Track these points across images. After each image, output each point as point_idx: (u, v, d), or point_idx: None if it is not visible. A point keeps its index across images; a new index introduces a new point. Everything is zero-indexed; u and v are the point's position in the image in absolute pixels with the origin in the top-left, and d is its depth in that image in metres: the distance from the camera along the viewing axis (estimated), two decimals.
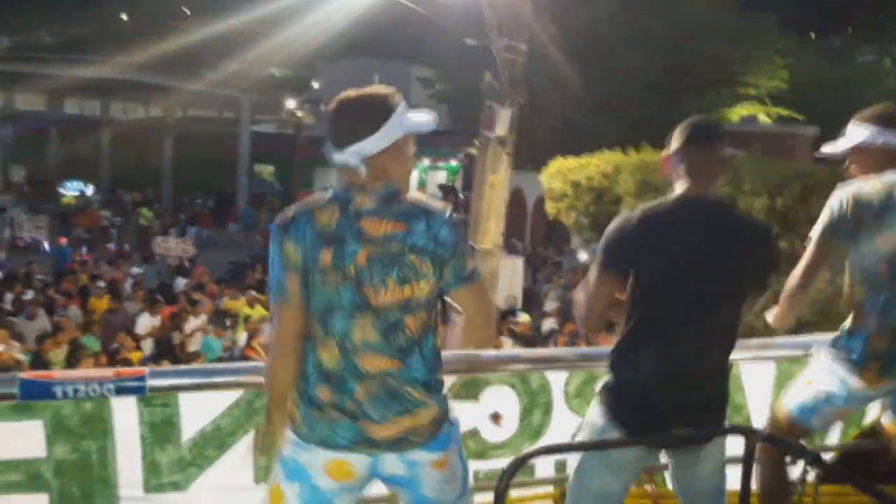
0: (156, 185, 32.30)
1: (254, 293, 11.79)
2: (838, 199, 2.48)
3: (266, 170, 36.18)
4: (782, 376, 3.09)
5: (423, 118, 2.08)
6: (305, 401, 2.04)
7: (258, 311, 10.93)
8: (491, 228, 8.80)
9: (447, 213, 2.02)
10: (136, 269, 14.99)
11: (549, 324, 11.18)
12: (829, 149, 2.71)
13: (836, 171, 2.46)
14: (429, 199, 2.07)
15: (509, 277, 13.34)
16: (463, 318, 2.17)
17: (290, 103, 33.20)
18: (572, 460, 2.50)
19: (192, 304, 11.12)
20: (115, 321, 10.51)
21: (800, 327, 3.31)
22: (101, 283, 12.81)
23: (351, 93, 2.07)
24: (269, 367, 2.10)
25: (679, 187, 2.36)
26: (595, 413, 2.39)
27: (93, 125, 33.61)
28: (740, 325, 2.37)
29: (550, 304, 12.79)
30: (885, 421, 2.72)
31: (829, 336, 2.64)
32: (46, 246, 20.52)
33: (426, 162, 35.65)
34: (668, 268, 2.26)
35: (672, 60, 17.17)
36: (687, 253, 2.26)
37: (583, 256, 13.03)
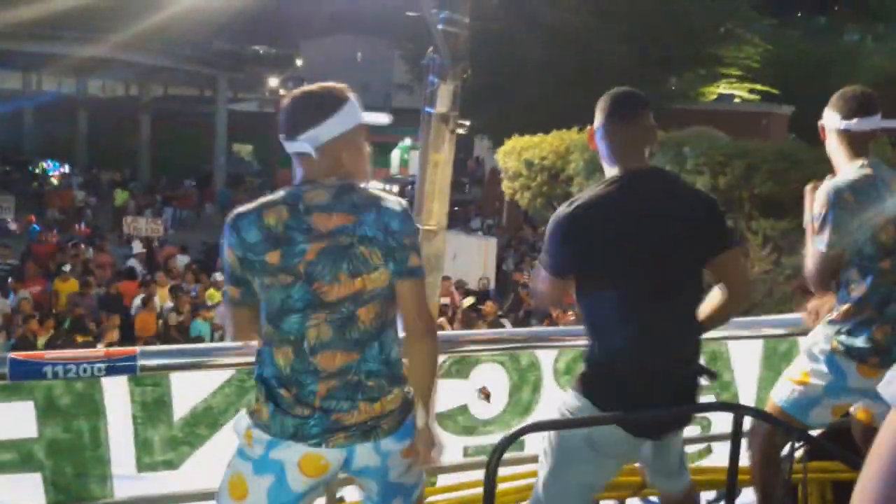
0: (133, 164, 31.86)
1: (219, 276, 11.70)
2: (835, 189, 2.49)
3: (245, 149, 35.90)
4: (769, 354, 3.13)
5: (377, 116, 2.12)
6: (271, 399, 2.00)
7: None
8: (435, 209, 8.82)
9: (400, 205, 2.03)
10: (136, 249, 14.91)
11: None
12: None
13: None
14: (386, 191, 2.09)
15: (483, 259, 13.32)
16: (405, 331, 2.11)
17: (273, 81, 32.87)
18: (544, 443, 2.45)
19: (146, 285, 11.14)
20: (83, 304, 10.43)
21: (749, 308, 3.33)
22: (67, 267, 12.67)
23: (304, 88, 2.09)
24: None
25: (608, 165, 2.30)
26: (574, 403, 2.29)
27: (69, 103, 33.01)
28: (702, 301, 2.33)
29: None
30: (857, 406, 2.73)
31: (820, 326, 2.64)
32: (12, 226, 20.08)
33: (408, 142, 35.55)
34: (622, 256, 2.19)
35: (645, 38, 17.01)
36: (638, 235, 2.18)
37: None
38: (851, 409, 2.75)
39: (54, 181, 29.03)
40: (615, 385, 2.24)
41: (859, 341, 2.50)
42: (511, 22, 16.32)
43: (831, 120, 2.62)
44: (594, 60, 16.09)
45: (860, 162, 2.54)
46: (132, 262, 13.87)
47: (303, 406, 1.97)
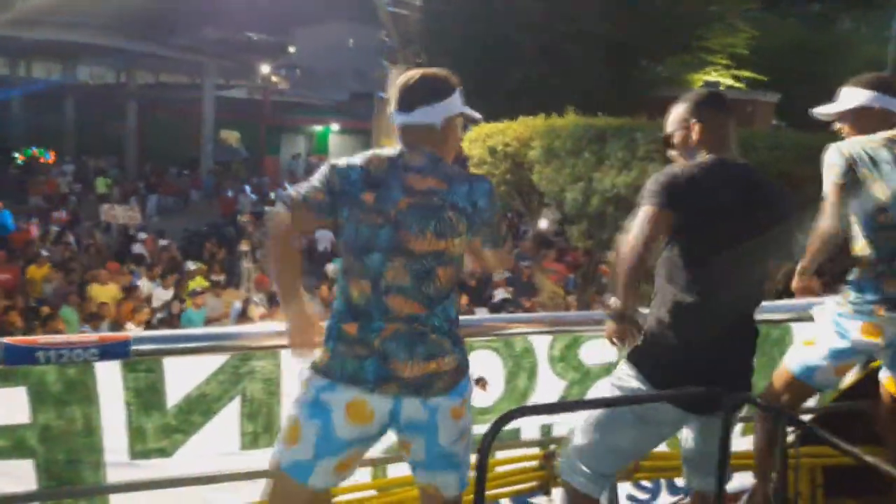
0: (120, 152, 31.61)
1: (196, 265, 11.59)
2: (837, 152, 2.57)
3: (232, 136, 35.69)
4: (762, 340, 3.13)
5: (473, 112, 2.31)
6: (333, 336, 2.12)
7: (199, 282, 10.85)
8: None
9: (489, 184, 2.21)
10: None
11: (500, 294, 11.03)
12: (822, 110, 2.79)
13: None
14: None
15: None
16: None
17: (265, 69, 32.65)
18: (562, 422, 2.53)
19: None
20: (58, 291, 10.35)
21: None
22: (45, 252, 12.52)
23: (419, 70, 2.29)
24: (271, 261, 2.26)
25: (693, 155, 2.43)
26: (625, 373, 2.42)
27: (57, 91, 32.68)
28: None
29: (499, 274, 12.66)
30: (883, 377, 2.78)
31: (823, 298, 2.73)
32: None
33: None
34: (712, 226, 2.30)
35: (626, 24, 16.86)
36: (729, 212, 2.30)
37: (543, 224, 12.90)
38: (882, 379, 2.79)
39: (42, 168, 28.73)
40: (668, 358, 2.34)
41: (871, 297, 2.56)
42: (489, 9, 16.22)
43: (865, 99, 2.68)
44: (572, 47, 15.96)
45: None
46: (138, 248, 13.76)
47: (363, 345, 2.08)
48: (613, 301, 2.34)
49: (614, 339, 2.37)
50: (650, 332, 2.39)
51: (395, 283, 2.08)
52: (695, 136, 2.44)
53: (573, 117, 10.42)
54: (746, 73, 18.52)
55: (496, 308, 10.10)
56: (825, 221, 2.61)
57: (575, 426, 2.55)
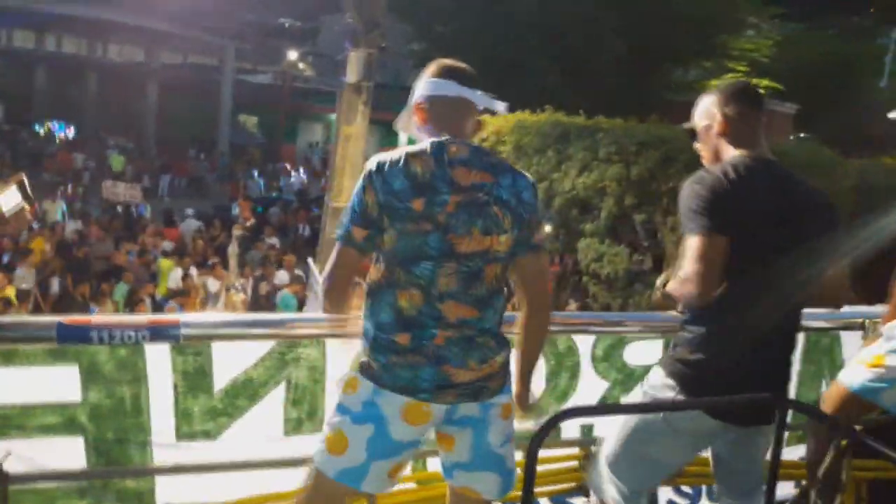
0: (139, 130, 31.73)
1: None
2: None
3: (251, 120, 35.70)
4: (810, 348, 3.11)
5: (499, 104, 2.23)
6: (383, 349, 2.03)
7: (167, 263, 10.82)
8: (346, 185, 7.83)
9: (531, 178, 2.13)
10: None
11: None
12: None
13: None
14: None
15: None
16: (521, 304, 2.19)
17: (293, 54, 32.58)
18: (603, 423, 2.49)
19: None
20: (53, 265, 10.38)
21: None
22: (36, 224, 12.38)
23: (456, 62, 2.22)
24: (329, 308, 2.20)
25: (725, 150, 2.31)
26: (659, 382, 2.33)
27: (81, 65, 32.78)
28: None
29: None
30: None
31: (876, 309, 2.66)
32: None
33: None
34: (753, 231, 2.20)
35: (646, 28, 16.67)
36: (769, 215, 2.21)
37: None
38: None
39: (58, 142, 28.83)
40: (707, 368, 2.24)
41: None
42: (504, 14, 16.12)
43: None
44: (591, 52, 15.85)
45: None
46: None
47: (417, 354, 2.01)
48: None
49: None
50: (684, 339, 2.31)
51: (448, 289, 2.01)
52: (721, 129, 2.33)
53: (544, 114, 10.20)
54: (765, 83, 18.31)
55: None
56: None
57: (606, 437, 2.48)
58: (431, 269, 2.01)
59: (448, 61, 2.18)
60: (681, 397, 2.27)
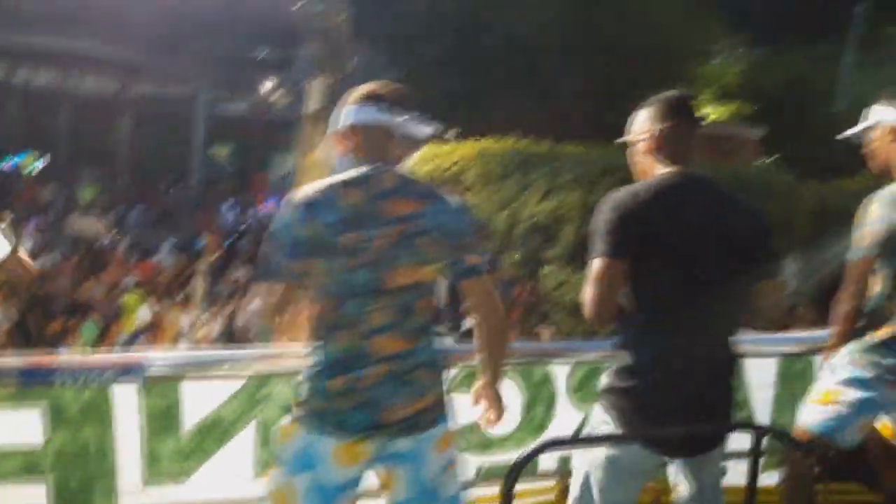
0: (111, 163, 31.42)
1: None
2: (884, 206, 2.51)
3: (222, 151, 35.56)
4: (785, 372, 3.11)
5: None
6: (313, 391, 1.99)
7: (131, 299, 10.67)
8: None
9: (455, 202, 2.07)
10: None
11: (470, 321, 10.76)
12: (850, 132, 2.74)
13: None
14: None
15: None
16: (477, 326, 2.18)
17: (268, 84, 32.52)
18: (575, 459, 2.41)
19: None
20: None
21: None
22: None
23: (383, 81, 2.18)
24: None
25: (654, 166, 2.24)
26: (599, 421, 2.25)
27: (54, 97, 32.47)
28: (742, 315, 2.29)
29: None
30: (886, 420, 2.73)
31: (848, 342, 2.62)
32: None
33: None
34: (676, 251, 2.12)
35: (614, 57, 16.86)
36: (694, 235, 2.13)
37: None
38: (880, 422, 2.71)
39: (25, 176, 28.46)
40: (641, 398, 2.15)
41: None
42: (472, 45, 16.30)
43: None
44: (558, 80, 16.01)
45: None
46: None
47: (345, 397, 1.96)
48: None
49: None
50: (617, 371, 2.22)
51: (378, 324, 1.96)
52: (650, 145, 2.25)
53: (509, 141, 10.16)
54: (734, 108, 18.59)
55: (465, 336, 9.97)
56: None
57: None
58: (359, 307, 1.96)
59: (370, 86, 2.12)
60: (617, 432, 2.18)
